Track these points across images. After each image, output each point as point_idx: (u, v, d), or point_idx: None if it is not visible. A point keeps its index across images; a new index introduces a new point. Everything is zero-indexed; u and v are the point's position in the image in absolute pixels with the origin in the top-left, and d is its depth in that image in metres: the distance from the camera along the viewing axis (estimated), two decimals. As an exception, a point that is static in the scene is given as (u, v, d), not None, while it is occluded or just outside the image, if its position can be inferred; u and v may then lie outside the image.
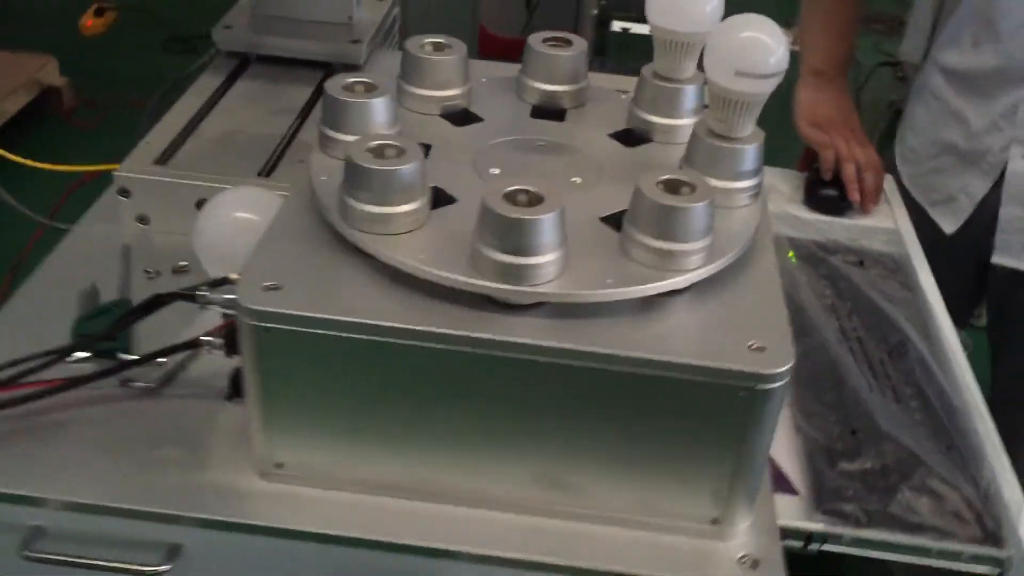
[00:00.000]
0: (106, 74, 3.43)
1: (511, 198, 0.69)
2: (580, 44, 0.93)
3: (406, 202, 0.73)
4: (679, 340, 0.70)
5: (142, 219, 1.04)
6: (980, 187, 1.34)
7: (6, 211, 1.19)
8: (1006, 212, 1.32)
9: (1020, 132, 1.27)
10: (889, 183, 1.40)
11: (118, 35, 3.74)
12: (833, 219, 1.32)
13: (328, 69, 1.25)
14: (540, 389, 0.71)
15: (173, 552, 0.76)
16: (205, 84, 1.21)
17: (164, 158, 1.06)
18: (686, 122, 0.87)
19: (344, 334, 0.70)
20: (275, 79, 1.24)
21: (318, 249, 0.75)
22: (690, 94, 0.88)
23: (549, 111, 0.92)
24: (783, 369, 0.68)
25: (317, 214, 0.78)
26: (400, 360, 0.70)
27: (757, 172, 0.80)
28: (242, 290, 0.70)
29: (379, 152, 0.73)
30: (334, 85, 0.81)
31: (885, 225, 1.32)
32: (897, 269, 1.22)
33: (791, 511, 0.89)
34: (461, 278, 0.70)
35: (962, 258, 1.39)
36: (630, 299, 0.71)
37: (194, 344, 0.82)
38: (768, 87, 0.75)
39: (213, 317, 0.80)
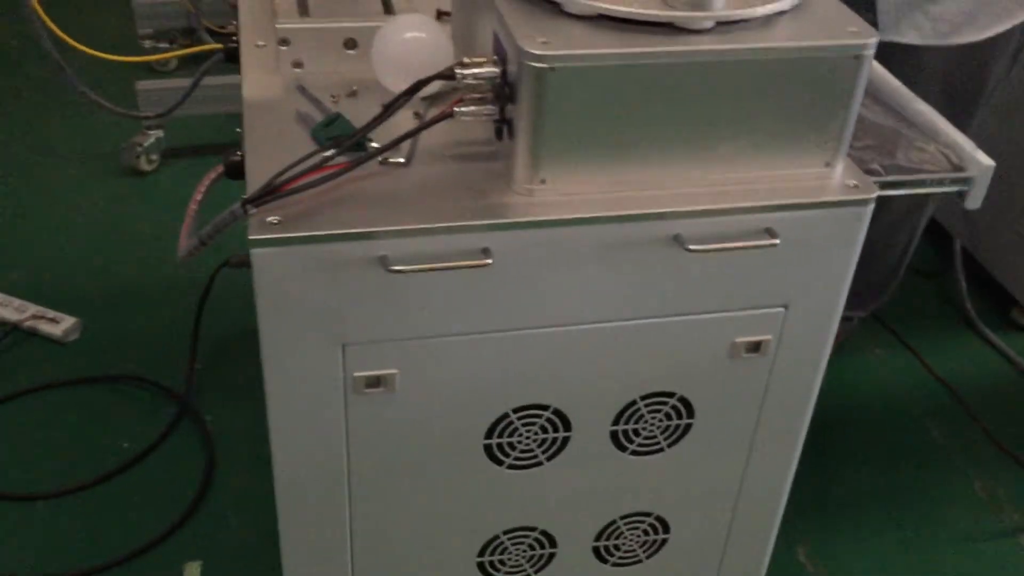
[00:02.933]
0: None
1: (692, -46, 1.04)
2: None
3: (610, -27, 1.05)
4: (801, 35, 1.07)
5: (297, 64, 1.28)
6: None
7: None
8: None
9: None
10: None
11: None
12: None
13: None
14: (716, 86, 1.06)
15: (486, 252, 1.06)
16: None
17: (301, 12, 1.30)
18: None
19: (599, 64, 1.01)
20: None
21: (543, 20, 1.05)
22: None
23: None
24: (873, 40, 1.07)
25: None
26: (631, 80, 1.03)
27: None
28: (527, 47, 1.00)
29: (583, -60, 1.05)
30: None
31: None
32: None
33: (833, 178, 1.29)
34: (663, 12, 1.03)
35: None
36: (758, 17, 1.08)
37: (441, 118, 1.10)
38: None
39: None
